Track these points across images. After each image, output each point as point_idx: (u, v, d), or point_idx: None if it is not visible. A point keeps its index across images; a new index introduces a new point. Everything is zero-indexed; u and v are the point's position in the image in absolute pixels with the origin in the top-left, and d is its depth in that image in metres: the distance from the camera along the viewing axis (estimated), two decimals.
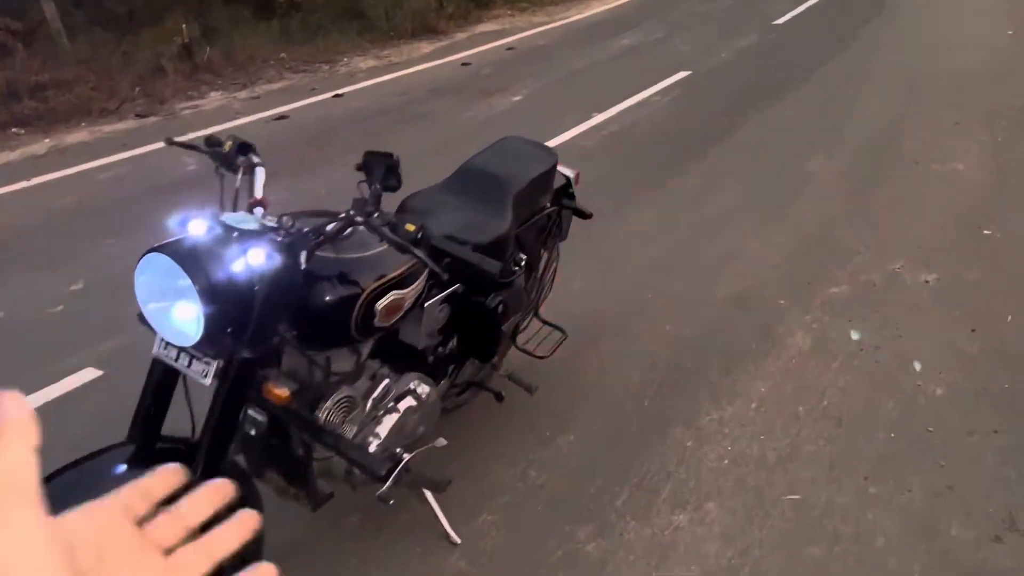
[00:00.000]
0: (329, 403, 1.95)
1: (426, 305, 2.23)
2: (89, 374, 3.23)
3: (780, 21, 10.05)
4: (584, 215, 2.96)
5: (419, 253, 1.70)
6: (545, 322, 2.96)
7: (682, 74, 7.60)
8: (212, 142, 2.09)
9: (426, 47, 9.75)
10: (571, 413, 2.84)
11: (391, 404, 2.20)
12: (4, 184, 5.57)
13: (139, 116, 7.29)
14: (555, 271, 3.01)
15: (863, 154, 5.37)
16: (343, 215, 1.74)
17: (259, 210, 1.89)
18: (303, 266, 1.73)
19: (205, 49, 8.74)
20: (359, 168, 1.83)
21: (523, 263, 2.63)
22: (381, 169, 1.78)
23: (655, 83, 7.26)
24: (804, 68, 7.65)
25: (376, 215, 1.75)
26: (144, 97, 7.74)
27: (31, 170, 5.86)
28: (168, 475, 0.49)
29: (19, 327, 3.64)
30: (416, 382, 2.28)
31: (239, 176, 1.98)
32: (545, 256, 2.95)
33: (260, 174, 1.98)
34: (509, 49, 9.28)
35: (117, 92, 7.70)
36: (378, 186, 1.77)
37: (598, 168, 5.33)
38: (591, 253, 3.97)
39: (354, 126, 6.52)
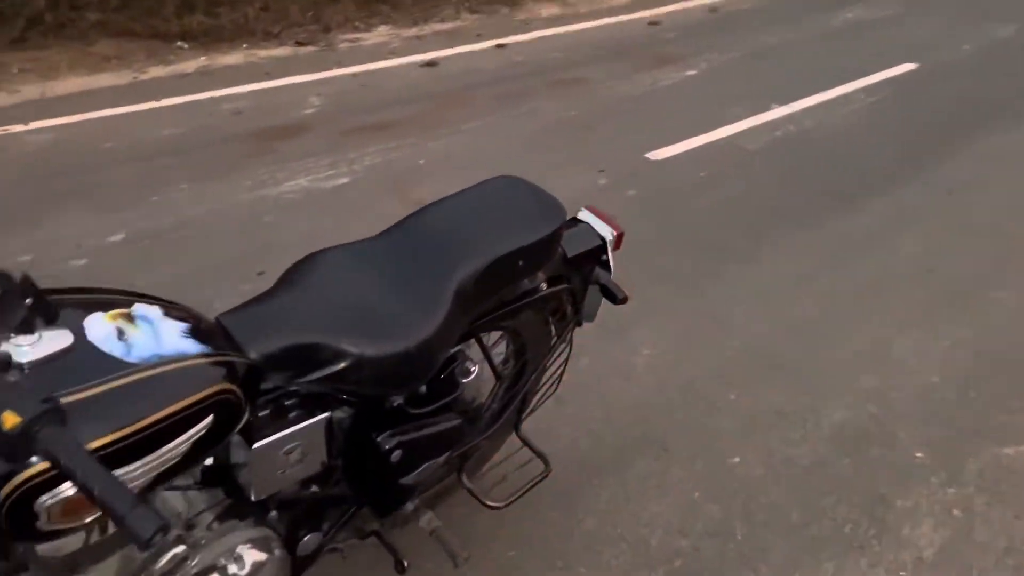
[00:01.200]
0: None
1: (256, 447, 1.38)
2: None
3: None
4: (614, 298, 1.94)
5: None
6: (526, 443, 2.00)
7: (906, 67, 5.98)
8: None
9: None
10: None
11: None
12: (135, 102, 5.23)
13: (298, 44, 6.81)
14: (563, 366, 2.04)
15: None
16: None
17: None
18: None
19: None
20: None
21: (471, 375, 1.70)
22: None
23: (865, 75, 5.73)
24: None
25: None
26: (313, 24, 7.25)
27: (168, 90, 5.50)
28: None
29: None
30: (242, 548, 1.47)
31: None
32: (551, 345, 1.98)
33: None
34: (712, 11, 7.90)
35: (287, 15, 7.25)
36: None
37: (745, 184, 4.15)
38: (670, 316, 2.91)
39: (495, 85, 5.62)
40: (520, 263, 1.68)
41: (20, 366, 1.00)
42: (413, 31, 7.29)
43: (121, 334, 1.19)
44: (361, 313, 1.47)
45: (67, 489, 1.06)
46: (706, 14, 7.78)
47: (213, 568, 1.43)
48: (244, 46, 6.71)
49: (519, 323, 1.87)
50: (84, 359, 1.12)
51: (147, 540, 0.85)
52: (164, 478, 1.17)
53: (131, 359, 1.16)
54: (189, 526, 1.44)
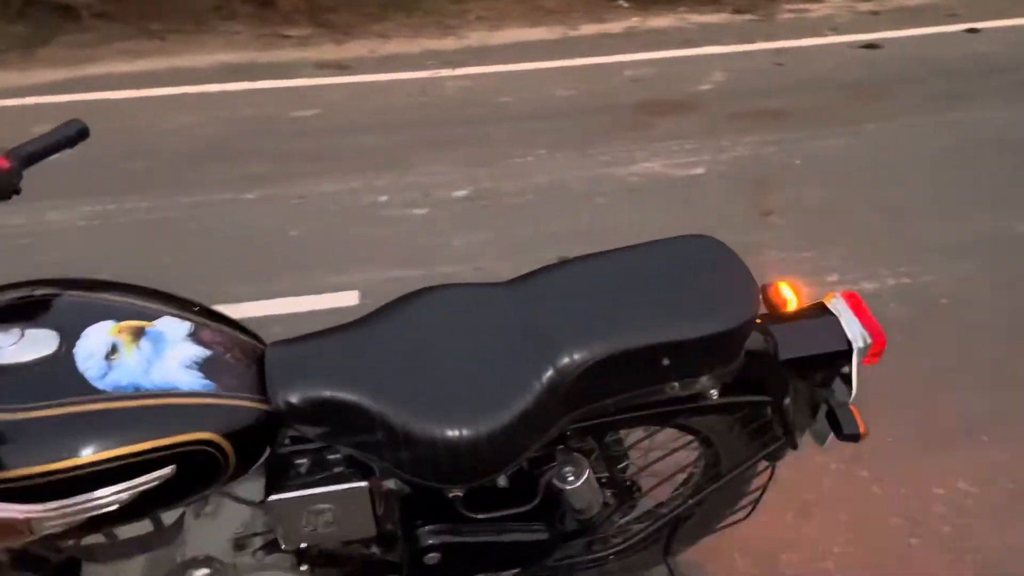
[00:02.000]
0: None
1: (270, 499, 1.21)
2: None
3: None
4: (839, 430, 1.32)
5: None
6: (671, 572, 1.50)
7: None
8: None
9: None
10: None
11: None
12: (552, 59, 5.28)
13: (736, 11, 6.30)
14: (761, 491, 1.49)
15: None
16: None
17: None
18: None
19: None
20: None
21: (572, 484, 1.28)
22: None
23: None
24: None
25: None
26: None
27: (587, 49, 5.50)
28: None
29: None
30: None
31: None
32: (740, 462, 1.45)
33: None
34: None
35: None
36: None
37: None
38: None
39: (934, 79, 4.53)
40: (664, 362, 1.21)
41: None
42: (869, 5, 6.25)
43: (112, 352, 1.08)
44: (425, 380, 1.19)
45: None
46: None
47: None
48: (680, 9, 6.40)
49: (701, 424, 1.40)
50: (49, 374, 1.04)
51: None
52: (97, 524, 1.05)
53: (101, 384, 1.05)
54: (238, 546, 1.33)
